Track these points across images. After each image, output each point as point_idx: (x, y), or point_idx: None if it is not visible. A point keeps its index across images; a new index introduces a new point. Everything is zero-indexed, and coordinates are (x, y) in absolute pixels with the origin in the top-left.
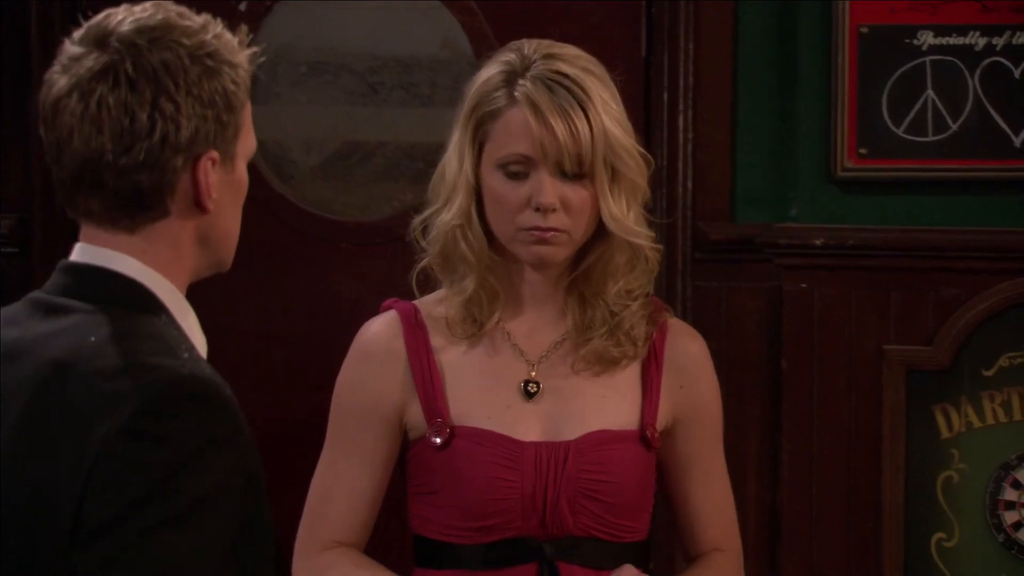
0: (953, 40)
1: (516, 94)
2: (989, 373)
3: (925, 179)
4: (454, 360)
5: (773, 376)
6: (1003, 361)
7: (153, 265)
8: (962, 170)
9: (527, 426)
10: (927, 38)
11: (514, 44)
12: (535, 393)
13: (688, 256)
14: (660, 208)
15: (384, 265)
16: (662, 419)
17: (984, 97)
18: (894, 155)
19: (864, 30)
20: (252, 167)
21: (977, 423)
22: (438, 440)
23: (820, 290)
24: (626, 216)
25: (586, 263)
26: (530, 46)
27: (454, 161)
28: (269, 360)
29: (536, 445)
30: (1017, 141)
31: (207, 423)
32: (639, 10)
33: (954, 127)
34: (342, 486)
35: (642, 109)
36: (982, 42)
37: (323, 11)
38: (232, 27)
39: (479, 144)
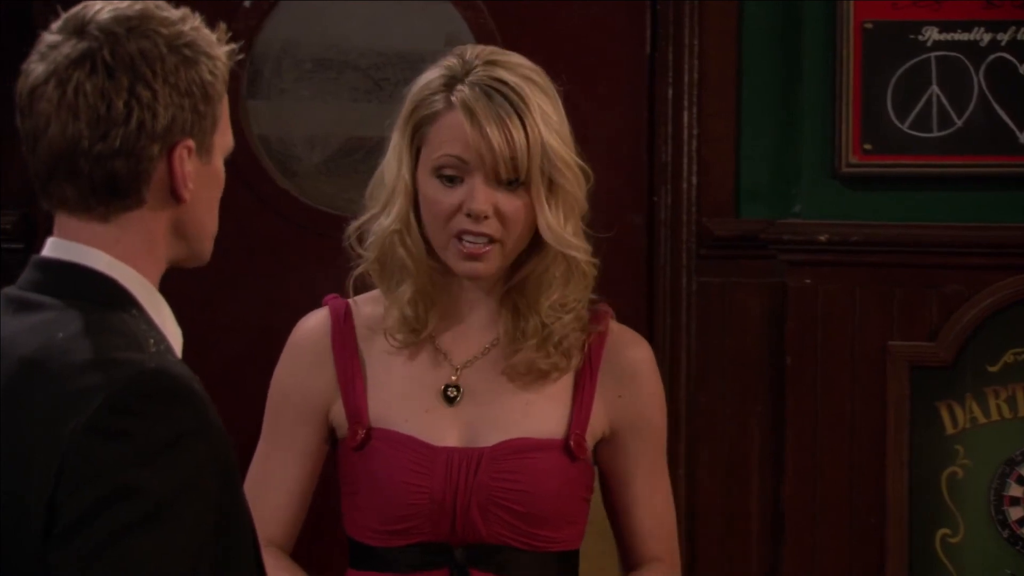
0: (958, 36)
1: (453, 99)
2: (994, 369)
3: (930, 175)
4: (379, 361)
5: (777, 372)
6: (1008, 357)
7: (125, 257)
8: (967, 166)
9: (444, 431)
10: (932, 34)
11: (458, 49)
12: (455, 398)
13: (692, 252)
14: (665, 204)
15: None
16: (596, 429)
17: (989, 93)
18: (899, 151)
19: (868, 26)
20: (256, 163)
21: (982, 419)
22: (354, 441)
23: (824, 286)
24: (563, 228)
25: (521, 274)
26: (472, 51)
27: (393, 165)
28: (272, 356)
29: (449, 451)
30: (1022, 137)
31: (173, 418)
32: (643, 6)
33: (959, 123)
34: (272, 481)
35: (646, 105)
36: (987, 38)
37: (327, 7)
38: (237, 24)
39: (416, 148)
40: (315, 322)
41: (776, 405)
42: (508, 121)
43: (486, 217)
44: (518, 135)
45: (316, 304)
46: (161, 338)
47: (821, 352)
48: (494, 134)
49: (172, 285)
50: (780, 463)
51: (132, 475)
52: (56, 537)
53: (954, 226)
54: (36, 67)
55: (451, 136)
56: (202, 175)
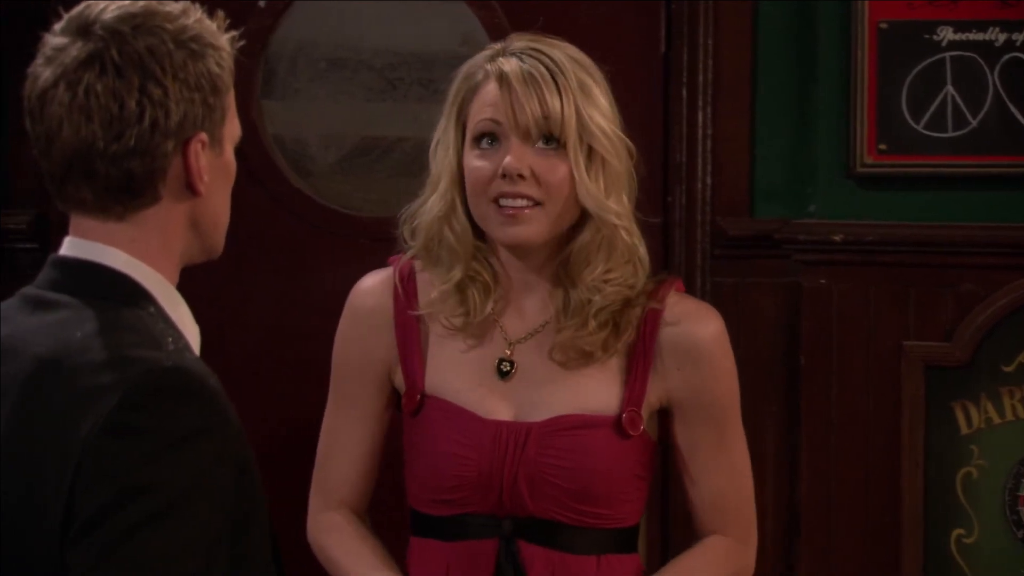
0: (973, 36)
1: (489, 67)
2: (1009, 369)
3: (944, 175)
4: (439, 328)
5: (791, 372)
6: (1023, 357)
7: (141, 254)
8: (981, 166)
9: (496, 405)
10: (947, 34)
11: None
12: (508, 372)
13: (706, 252)
14: (679, 204)
15: None
16: (652, 404)
17: (1004, 93)
18: (913, 151)
19: (883, 26)
20: (271, 162)
21: (996, 419)
22: (411, 406)
23: (839, 286)
24: (602, 194)
25: (567, 250)
26: (520, 35)
27: (439, 151)
28: (286, 355)
29: (498, 424)
30: None
31: (188, 415)
32: (658, 6)
33: (973, 123)
34: (340, 440)
35: (661, 105)
36: (1002, 38)
37: (342, 7)
38: (251, 23)
39: (463, 126)
40: (375, 282)
41: (791, 405)
42: (540, 80)
43: (521, 176)
44: (550, 94)
45: (330, 304)
46: (179, 336)
47: (836, 352)
48: (524, 92)
49: (185, 283)
50: (795, 463)
51: (143, 473)
52: (72, 536)
53: (969, 226)
54: (43, 71)
55: (486, 102)
56: (215, 167)
